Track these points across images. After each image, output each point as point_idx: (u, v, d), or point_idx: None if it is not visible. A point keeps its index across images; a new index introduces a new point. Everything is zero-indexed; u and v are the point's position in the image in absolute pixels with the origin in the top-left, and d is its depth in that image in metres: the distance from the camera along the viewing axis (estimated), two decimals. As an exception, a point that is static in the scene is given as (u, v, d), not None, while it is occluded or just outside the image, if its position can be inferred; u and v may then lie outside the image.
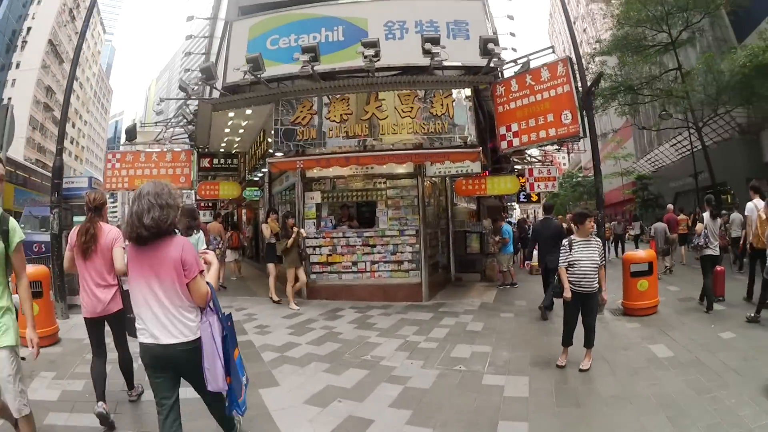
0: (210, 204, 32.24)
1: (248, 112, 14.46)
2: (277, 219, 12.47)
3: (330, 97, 12.63)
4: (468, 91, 12.58)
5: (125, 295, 4.90)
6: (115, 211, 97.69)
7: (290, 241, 11.41)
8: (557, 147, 21.00)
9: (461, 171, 14.77)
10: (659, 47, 25.39)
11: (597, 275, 6.79)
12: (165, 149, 18.64)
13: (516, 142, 12.16)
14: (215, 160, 19.58)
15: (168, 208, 3.48)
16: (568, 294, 6.72)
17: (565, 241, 7.02)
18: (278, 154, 12.68)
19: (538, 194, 26.20)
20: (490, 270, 16.40)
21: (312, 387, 6.27)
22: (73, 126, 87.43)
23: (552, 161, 25.08)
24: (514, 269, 15.66)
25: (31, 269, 8.03)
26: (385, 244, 12.95)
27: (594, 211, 8.54)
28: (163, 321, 3.45)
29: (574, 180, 59.82)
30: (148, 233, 3.40)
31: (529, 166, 22.36)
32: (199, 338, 3.49)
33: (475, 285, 15.43)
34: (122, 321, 5.15)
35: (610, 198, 47.67)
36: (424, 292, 12.52)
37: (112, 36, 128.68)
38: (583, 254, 6.76)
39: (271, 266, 12.54)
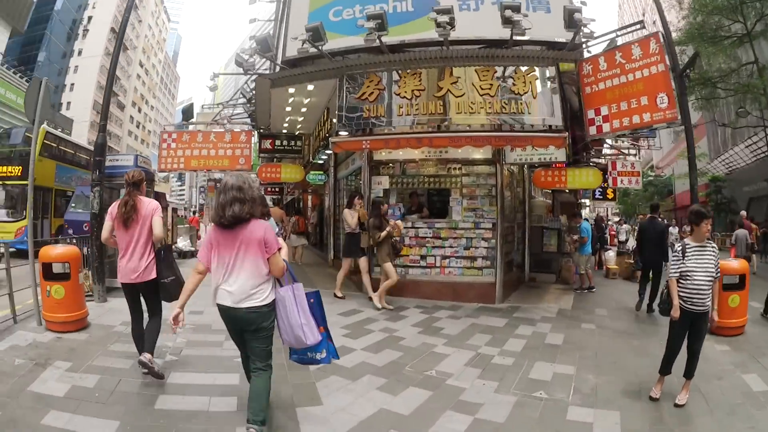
0: (276, 189, 32.35)
1: (310, 88, 13.62)
2: (363, 205, 11.51)
3: (399, 72, 11.63)
4: (550, 71, 11.46)
5: (160, 264, 5.75)
6: (183, 194, 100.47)
7: (383, 234, 10.50)
8: (633, 143, 19.52)
9: (544, 159, 13.85)
10: (734, 39, 23.84)
11: (711, 290, 5.72)
12: (224, 129, 18.11)
13: (606, 127, 11.07)
14: (277, 142, 19.01)
15: (248, 202, 4.34)
16: (676, 313, 5.69)
17: (677, 246, 5.95)
18: (342, 133, 11.82)
19: (614, 191, 24.36)
20: (567, 271, 15.33)
21: (361, 410, 5.37)
22: (140, 111, 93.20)
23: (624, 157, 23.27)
24: (592, 272, 14.67)
25: (61, 249, 8.15)
26: (458, 238, 12.02)
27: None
28: (247, 285, 4.33)
29: (646, 179, 57.19)
30: (228, 222, 4.29)
31: (612, 159, 20.83)
32: (270, 304, 4.43)
33: (550, 287, 14.44)
34: (156, 289, 5.79)
35: (683, 200, 45.69)
36: (498, 293, 11.56)
37: (177, 24, 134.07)
38: (697, 264, 5.67)
39: (347, 261, 11.58)
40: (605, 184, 19.84)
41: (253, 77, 14.47)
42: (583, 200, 31.47)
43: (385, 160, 12.64)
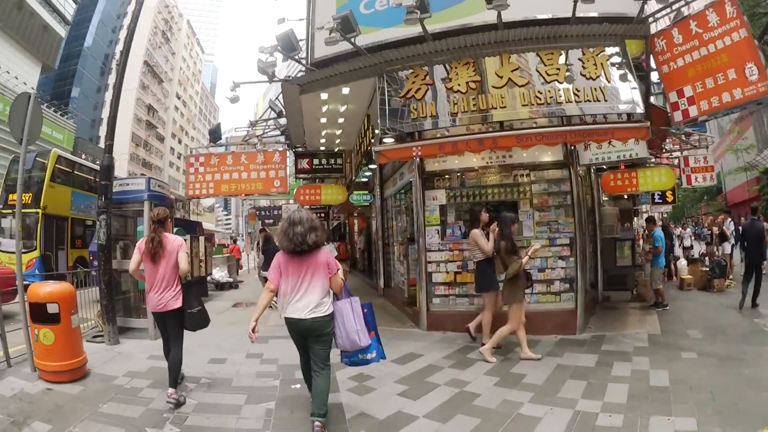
0: (321, 214, 31.42)
1: (345, 91, 12.21)
2: (489, 222, 9.45)
3: (448, 65, 10.20)
4: (620, 49, 10.06)
5: (186, 294, 6.42)
6: (229, 223, 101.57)
7: (524, 260, 8.57)
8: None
9: (623, 156, 12.49)
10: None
11: None
12: (256, 149, 16.93)
13: (693, 111, 9.68)
14: (315, 161, 17.74)
15: (320, 230, 5.55)
16: None
17: None
18: (387, 140, 10.42)
19: (674, 193, 22.46)
20: (643, 287, 13.76)
21: None
22: (180, 142, 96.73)
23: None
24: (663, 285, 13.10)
25: (50, 287, 7.29)
26: (531, 258, 10.28)
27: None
28: (314, 301, 5.40)
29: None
30: (309, 248, 5.40)
31: (684, 154, 18.98)
32: (331, 315, 5.50)
33: (627, 307, 12.82)
34: (180, 318, 6.41)
35: (733, 196, 43.18)
36: (579, 321, 10.02)
37: (212, 56, 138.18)
38: None
39: (491, 297, 9.13)
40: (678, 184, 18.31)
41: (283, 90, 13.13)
42: (641, 205, 29.15)
43: (440, 171, 11.15)
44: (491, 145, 9.56)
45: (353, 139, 17.27)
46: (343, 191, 17.27)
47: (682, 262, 16.93)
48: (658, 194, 21.15)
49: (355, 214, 26.45)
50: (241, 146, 18.63)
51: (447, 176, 11.17)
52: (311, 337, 5.52)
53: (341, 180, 20.93)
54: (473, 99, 9.96)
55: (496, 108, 9.88)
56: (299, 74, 11.77)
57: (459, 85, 10.03)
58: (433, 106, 10.05)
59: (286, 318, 5.56)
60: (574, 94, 9.76)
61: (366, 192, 18.19)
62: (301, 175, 18.43)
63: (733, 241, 17.59)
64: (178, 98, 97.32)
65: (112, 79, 69.99)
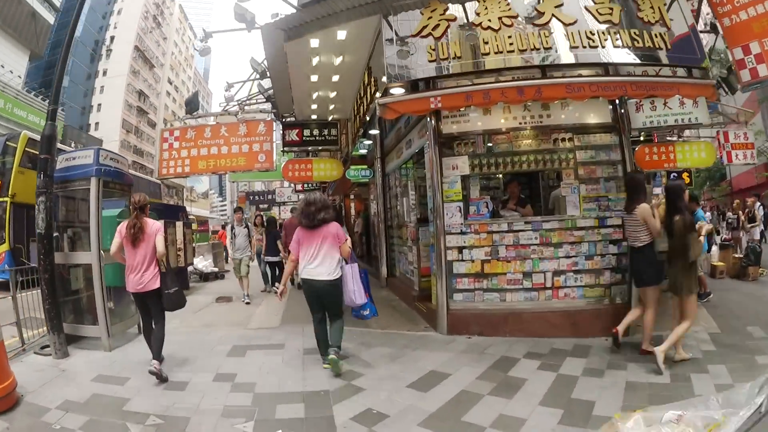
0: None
1: (341, 36, 9.86)
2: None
3: (474, -4, 8.11)
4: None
5: (163, 276, 6.73)
6: (225, 209, 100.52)
7: (702, 236, 6.95)
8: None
9: (680, 120, 11.25)
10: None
11: None
12: (237, 119, 14.61)
13: (763, 70, 8.51)
14: (306, 132, 15.25)
15: (330, 208, 6.86)
16: None
17: None
18: (396, 91, 8.18)
19: (690, 175, 20.45)
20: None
21: None
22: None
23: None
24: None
25: None
26: (577, 242, 8.40)
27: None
28: (326, 266, 6.64)
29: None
30: (321, 222, 6.66)
31: (723, 129, 16.84)
32: (339, 278, 6.76)
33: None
34: (160, 297, 6.73)
35: (738, 182, 41.56)
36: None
37: (208, 25, 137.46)
38: None
39: (653, 292, 7.10)
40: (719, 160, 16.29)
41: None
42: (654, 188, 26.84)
43: (459, 134, 8.88)
44: (534, 95, 7.70)
45: (350, 104, 14.97)
46: (339, 166, 14.98)
47: (714, 248, 15.40)
48: (674, 175, 18.98)
49: (352, 196, 24.67)
50: (223, 118, 16.25)
51: (469, 140, 8.91)
52: (325, 297, 6.77)
53: (336, 154, 18.59)
54: (508, 38, 8.01)
55: (536, 48, 8.03)
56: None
57: (490, 21, 8.04)
58: (457, 46, 7.98)
59: (303, 279, 6.81)
60: (632, 38, 8.15)
61: (365, 167, 15.86)
62: (289, 149, 15.96)
63: (762, 226, 16.50)
64: (170, 83, 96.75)
65: (102, 66, 76.47)
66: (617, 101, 8.58)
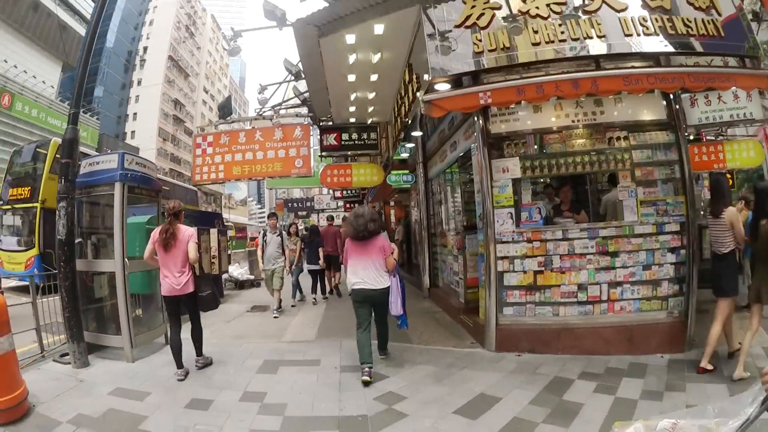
0: (352, 203, 29.17)
1: (378, 30, 9.28)
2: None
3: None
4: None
5: (197, 280, 7.09)
6: (264, 216, 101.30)
7: None
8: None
9: (735, 116, 10.54)
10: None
11: None
12: (273, 123, 14.19)
13: None
14: (344, 136, 14.77)
15: (377, 221, 7.19)
16: None
17: None
18: (441, 86, 7.54)
19: (733, 176, 18.95)
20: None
21: None
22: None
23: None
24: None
25: None
26: (634, 251, 7.67)
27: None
28: (373, 276, 6.97)
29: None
30: (369, 234, 6.98)
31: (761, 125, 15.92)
32: (389, 287, 7.05)
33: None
34: (194, 300, 7.09)
35: None
36: (689, 334, 7.41)
37: (241, 24, 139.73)
38: None
39: (731, 302, 6.67)
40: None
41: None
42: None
43: (508, 133, 8.20)
44: (590, 88, 7.05)
45: (390, 106, 14.10)
46: (379, 171, 14.43)
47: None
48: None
49: (392, 203, 24.14)
50: (257, 123, 15.82)
51: (519, 141, 8.22)
52: (376, 303, 7.11)
53: (376, 159, 18.01)
54: (559, 27, 7.43)
55: (588, 37, 7.43)
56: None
57: (538, 8, 7.41)
58: (504, 36, 7.26)
59: (354, 289, 7.09)
60: (685, 24, 7.50)
61: (406, 172, 15.24)
62: (327, 153, 15.38)
63: None
64: (206, 92, 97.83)
65: (137, 75, 78.09)
66: (672, 96, 7.88)
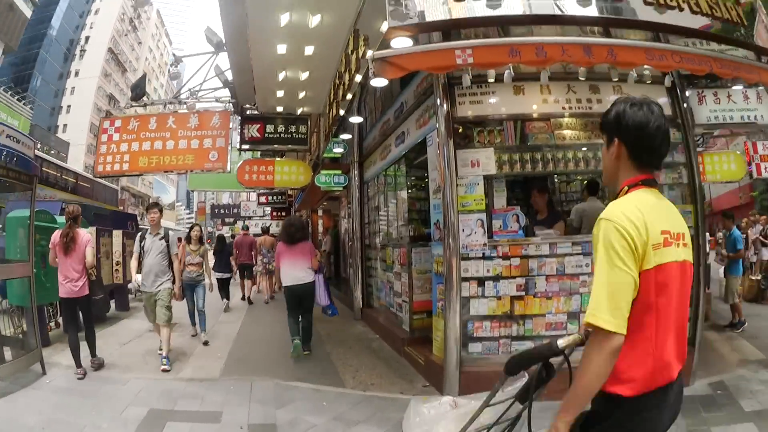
0: (281, 211, 27.34)
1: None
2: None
3: None
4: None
5: (92, 284, 6.96)
6: (192, 221, 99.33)
7: None
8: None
9: (746, 117, 9.06)
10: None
11: None
12: (186, 106, 12.10)
13: None
14: (269, 127, 12.48)
15: (306, 229, 8.92)
16: None
17: None
18: (401, 43, 5.41)
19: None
20: (707, 303, 9.88)
21: None
22: None
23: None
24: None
25: None
26: None
27: None
28: (301, 274, 8.04)
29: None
30: (299, 240, 8.25)
31: (746, 139, 15.07)
32: (314, 281, 8.15)
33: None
34: (89, 303, 6.99)
35: (719, 204, 39.02)
36: (696, 363, 6.10)
37: (181, 50, 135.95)
38: None
39: None
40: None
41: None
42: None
43: (479, 118, 6.39)
44: (606, 58, 5.35)
45: (324, 92, 10.97)
46: (307, 170, 12.32)
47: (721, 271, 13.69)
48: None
49: (320, 211, 22.34)
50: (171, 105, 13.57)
51: (495, 128, 6.39)
52: (303, 297, 8.16)
53: (305, 157, 15.74)
54: None
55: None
56: None
57: None
58: None
59: (287, 285, 8.16)
60: (710, 6, 6.18)
61: (338, 172, 12.88)
62: (249, 146, 12.98)
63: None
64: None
65: (75, 66, 72.48)
66: (678, 89, 6.60)
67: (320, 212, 22.51)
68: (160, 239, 7.80)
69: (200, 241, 9.64)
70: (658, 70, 5.72)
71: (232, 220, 40.46)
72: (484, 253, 5.90)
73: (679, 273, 2.07)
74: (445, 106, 6.04)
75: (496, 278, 5.88)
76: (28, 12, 47.66)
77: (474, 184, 5.99)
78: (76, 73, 71.66)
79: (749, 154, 13.89)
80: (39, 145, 38.38)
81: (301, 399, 5.80)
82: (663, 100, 6.51)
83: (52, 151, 25.18)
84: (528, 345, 5.80)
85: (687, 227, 2.21)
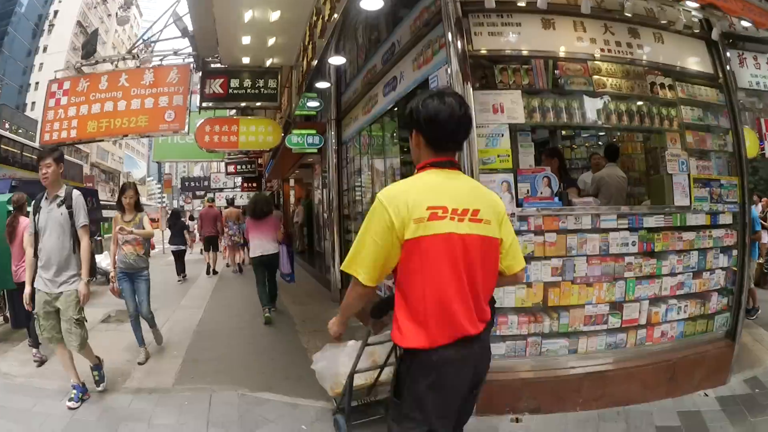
0: (252, 182, 25.95)
1: None
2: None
3: None
4: None
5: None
6: (164, 197, 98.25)
7: None
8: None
9: None
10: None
11: None
12: (140, 60, 11.03)
13: None
14: (234, 82, 10.82)
15: (271, 204, 9.49)
16: None
17: None
18: None
19: None
20: None
21: None
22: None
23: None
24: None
25: None
26: (686, 250, 5.15)
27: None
28: (268, 245, 8.75)
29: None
30: (264, 215, 8.79)
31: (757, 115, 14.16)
32: (278, 252, 8.90)
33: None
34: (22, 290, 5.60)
35: None
36: (735, 359, 5.37)
37: (150, 22, 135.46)
38: None
39: None
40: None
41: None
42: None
43: (499, 55, 5.03)
44: None
45: (299, 38, 9.19)
46: (276, 129, 10.90)
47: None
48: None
49: (292, 181, 21.90)
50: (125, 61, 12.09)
51: (521, 67, 5.00)
52: (269, 265, 8.91)
53: (277, 117, 14.10)
54: None
55: None
56: None
57: None
58: None
59: (255, 255, 8.86)
60: None
61: (313, 132, 11.19)
62: (210, 103, 11.16)
63: None
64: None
65: (44, 42, 71.07)
66: (720, 45, 5.67)
67: (292, 182, 21.73)
68: (59, 205, 4.83)
69: (137, 207, 6.54)
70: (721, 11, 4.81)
71: (202, 192, 38.49)
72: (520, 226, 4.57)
73: (447, 244, 2.22)
74: (458, 40, 4.63)
75: (527, 259, 4.40)
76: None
77: (497, 135, 4.62)
78: (45, 49, 70.07)
79: (761, 131, 13.08)
80: (6, 125, 37.37)
81: (275, 419, 4.47)
82: (702, 55, 5.71)
83: (20, 130, 24.38)
84: (562, 344, 4.63)
85: (493, 204, 2.38)
